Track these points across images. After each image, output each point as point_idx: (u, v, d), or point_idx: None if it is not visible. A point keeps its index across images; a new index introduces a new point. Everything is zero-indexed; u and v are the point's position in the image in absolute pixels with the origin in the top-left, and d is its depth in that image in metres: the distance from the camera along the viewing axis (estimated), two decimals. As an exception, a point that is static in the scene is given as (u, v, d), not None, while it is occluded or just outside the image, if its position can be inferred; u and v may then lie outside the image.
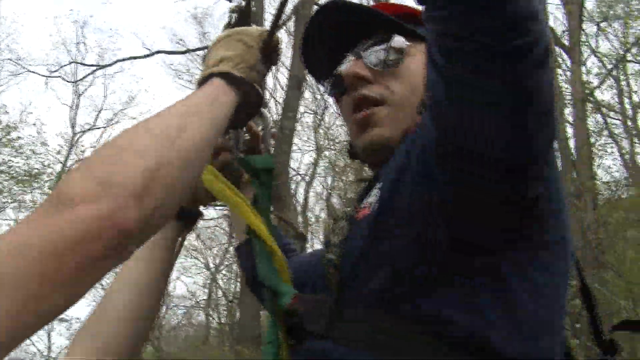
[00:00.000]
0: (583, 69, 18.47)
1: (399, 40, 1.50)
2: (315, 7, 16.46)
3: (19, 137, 23.34)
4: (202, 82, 1.33)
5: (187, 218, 1.62)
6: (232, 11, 1.63)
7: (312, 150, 24.57)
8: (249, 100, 1.39)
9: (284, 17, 1.53)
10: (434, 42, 1.07)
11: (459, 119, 1.08)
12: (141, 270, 1.49)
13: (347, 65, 1.53)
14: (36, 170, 22.98)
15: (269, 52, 1.48)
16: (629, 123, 22.47)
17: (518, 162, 1.11)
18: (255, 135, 1.71)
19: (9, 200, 23.33)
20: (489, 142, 1.08)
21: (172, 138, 1.03)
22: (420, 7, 1.12)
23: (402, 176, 1.27)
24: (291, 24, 14.33)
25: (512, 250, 1.18)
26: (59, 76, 25.28)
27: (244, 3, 1.61)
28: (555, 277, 1.22)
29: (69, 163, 24.72)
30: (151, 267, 1.50)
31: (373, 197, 1.36)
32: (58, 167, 24.20)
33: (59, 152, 24.53)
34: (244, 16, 1.60)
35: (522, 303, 1.16)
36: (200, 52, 24.53)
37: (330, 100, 1.73)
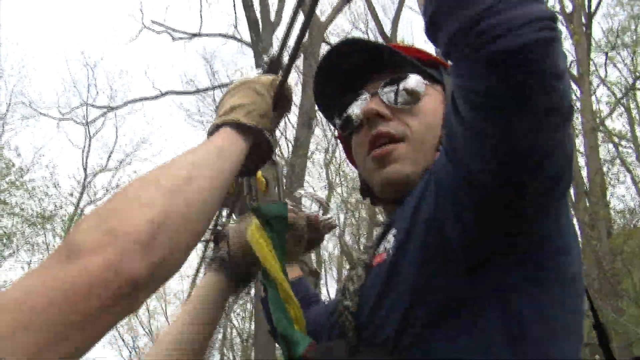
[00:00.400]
0: (593, 98, 18.49)
1: (417, 79, 1.52)
2: (324, 45, 16.63)
3: (32, 180, 23.50)
4: (212, 131, 1.33)
5: (240, 279, 1.63)
6: (265, 63, 1.65)
7: (323, 188, 24.60)
8: (260, 148, 1.41)
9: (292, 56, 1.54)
10: (460, 94, 1.07)
11: (482, 167, 1.09)
12: (190, 330, 1.53)
13: (364, 103, 1.54)
14: (49, 213, 23.08)
15: (281, 100, 1.51)
16: (641, 151, 22.38)
17: (537, 208, 1.13)
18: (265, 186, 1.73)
19: (22, 243, 23.38)
20: (511, 191, 1.09)
21: (180, 189, 1.04)
22: (443, 58, 1.13)
23: (416, 222, 1.27)
24: (300, 62, 14.43)
25: (526, 287, 1.18)
26: (70, 118, 25.56)
27: (275, 55, 1.63)
28: (569, 314, 1.21)
29: (81, 205, 24.84)
30: (200, 328, 1.55)
31: (388, 243, 1.35)
32: (71, 209, 24.30)
33: (71, 194, 24.65)
34: (274, 67, 1.62)
35: (536, 343, 1.15)
36: (210, 92, 24.81)
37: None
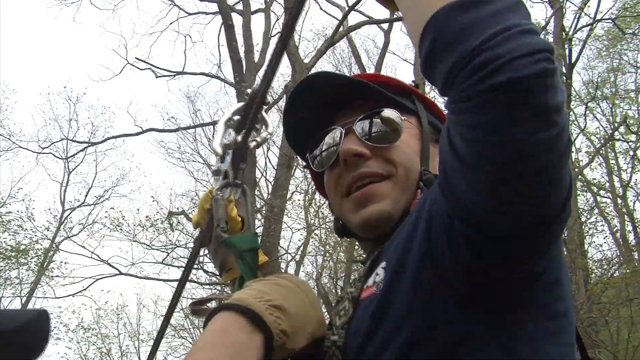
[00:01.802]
0: (572, 148, 18.66)
1: (394, 114, 1.50)
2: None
3: (9, 212, 23.27)
4: None
5: None
6: (246, 95, 1.61)
7: (302, 229, 24.54)
8: None
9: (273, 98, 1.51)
10: (457, 130, 1.04)
11: (478, 201, 1.06)
12: None
13: (338, 139, 1.52)
14: (23, 247, 22.79)
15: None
16: (619, 201, 22.59)
17: (534, 245, 1.11)
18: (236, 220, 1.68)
19: (-5, 277, 23.07)
20: (509, 223, 1.07)
21: None
22: (440, 95, 1.11)
23: (409, 255, 1.24)
24: (282, 103, 14.51)
25: (521, 321, 1.16)
26: (50, 152, 25.39)
27: (257, 88, 1.58)
28: (563, 348, 1.20)
29: (56, 240, 24.56)
30: None
31: (378, 277, 1.32)
32: (46, 244, 24.02)
33: (47, 229, 24.38)
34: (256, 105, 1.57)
35: None
36: (191, 130, 24.80)
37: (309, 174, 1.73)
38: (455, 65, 1.00)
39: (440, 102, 1.34)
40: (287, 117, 1.63)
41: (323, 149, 1.58)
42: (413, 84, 1.67)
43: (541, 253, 1.15)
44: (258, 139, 1.59)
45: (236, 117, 1.60)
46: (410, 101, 1.61)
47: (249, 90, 1.60)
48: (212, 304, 1.55)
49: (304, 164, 1.72)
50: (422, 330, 1.18)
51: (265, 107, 1.55)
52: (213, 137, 1.61)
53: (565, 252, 12.64)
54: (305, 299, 1.29)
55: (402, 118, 1.51)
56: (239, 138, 1.52)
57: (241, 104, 1.64)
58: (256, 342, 1.14)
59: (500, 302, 1.17)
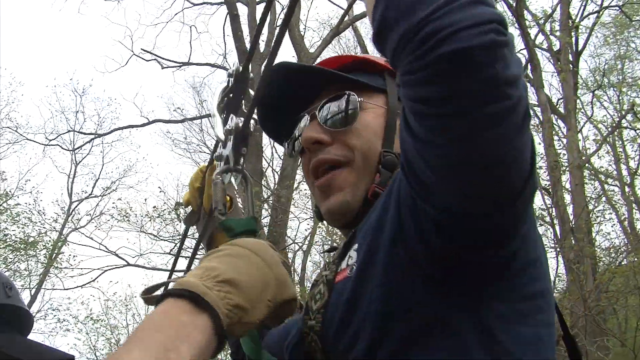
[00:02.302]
0: (579, 136, 18.61)
1: (351, 98, 1.49)
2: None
3: (17, 204, 23.34)
4: None
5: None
6: (229, 75, 1.62)
7: (309, 219, 24.54)
8: None
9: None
10: (409, 106, 1.04)
11: (437, 180, 1.05)
12: None
13: (304, 129, 1.53)
14: (32, 239, 22.88)
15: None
16: (627, 189, 22.53)
17: (499, 222, 1.10)
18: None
19: (4, 269, 23.16)
20: (471, 202, 1.06)
21: None
22: (382, 59, 1.10)
23: (380, 236, 1.23)
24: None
25: (494, 303, 1.16)
26: (57, 144, 25.48)
27: (240, 68, 1.60)
28: (540, 328, 1.19)
29: (65, 231, 24.64)
30: None
31: (351, 259, 1.31)
32: (54, 235, 24.11)
33: (55, 221, 24.47)
34: (241, 82, 1.58)
35: (509, 355, 1.13)
36: (197, 121, 24.81)
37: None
38: (404, 36, 0.99)
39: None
40: (260, 107, 1.65)
41: (293, 137, 1.61)
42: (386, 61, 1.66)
43: (509, 232, 1.13)
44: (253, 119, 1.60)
45: (225, 99, 1.64)
46: (382, 78, 1.59)
47: (230, 71, 1.62)
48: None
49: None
50: (396, 314, 1.18)
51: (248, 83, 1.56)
52: (213, 124, 1.60)
53: (573, 241, 12.61)
54: (261, 263, 1.23)
55: (359, 99, 1.50)
56: (240, 123, 1.53)
57: (224, 84, 1.67)
58: (201, 321, 1.08)
59: (472, 284, 1.16)
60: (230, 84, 1.62)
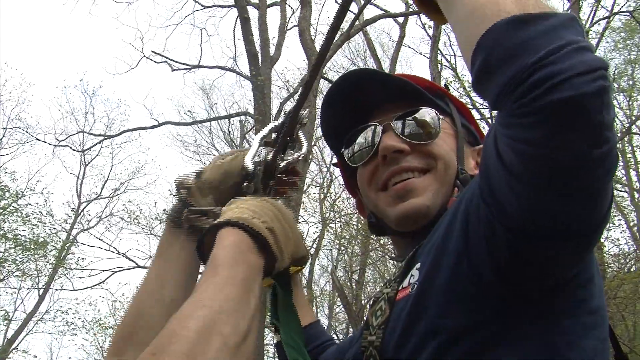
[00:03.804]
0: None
1: (432, 113, 1.53)
2: (323, 79, 16.70)
3: (28, 205, 23.43)
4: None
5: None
6: (284, 113, 1.61)
7: (317, 223, 24.53)
8: None
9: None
10: (507, 142, 1.04)
11: (523, 210, 1.06)
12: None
13: (376, 136, 1.55)
14: (42, 239, 22.96)
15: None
16: (636, 195, 22.45)
17: (574, 252, 1.12)
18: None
19: (13, 269, 23.25)
20: (552, 231, 1.07)
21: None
22: (490, 109, 1.11)
23: (444, 255, 1.25)
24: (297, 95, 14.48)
25: (559, 318, 1.17)
26: (66, 145, 25.56)
27: (304, 112, 1.57)
28: (598, 343, 1.21)
29: (74, 232, 24.71)
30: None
31: (413, 278, 1.34)
32: (63, 236, 24.19)
33: (65, 221, 24.56)
34: (293, 123, 1.57)
35: None
36: (207, 124, 24.84)
37: (336, 173, 1.75)
38: (511, 81, 0.99)
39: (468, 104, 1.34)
40: (326, 110, 1.66)
41: (359, 144, 1.60)
42: (445, 87, 1.69)
43: (580, 259, 1.16)
44: (290, 158, 1.59)
45: (273, 135, 1.61)
46: (444, 103, 1.63)
47: (286, 109, 1.61)
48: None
49: (335, 160, 1.74)
50: (460, 328, 1.19)
51: (301, 126, 1.55)
52: (233, 138, 1.57)
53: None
54: (285, 222, 1.31)
55: (441, 117, 1.54)
56: (269, 157, 1.52)
57: (279, 121, 1.64)
58: (262, 264, 1.18)
59: (537, 300, 1.18)
60: (285, 123, 1.58)
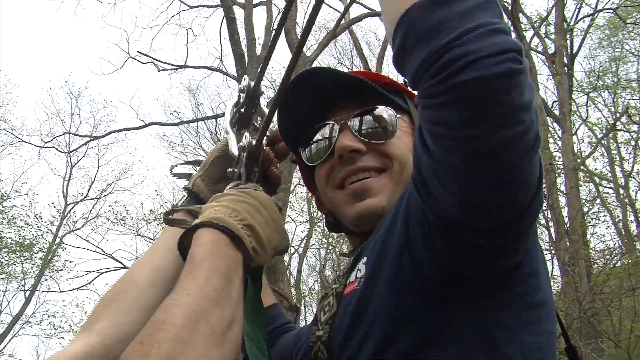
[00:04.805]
0: (574, 138, 18.68)
1: (389, 112, 1.52)
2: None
3: (13, 207, 23.30)
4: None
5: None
6: (240, 91, 1.63)
7: (305, 222, 24.54)
8: None
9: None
10: (427, 127, 1.07)
11: (448, 195, 1.08)
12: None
13: (333, 134, 1.55)
14: (28, 241, 22.83)
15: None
16: (621, 191, 22.58)
17: (503, 237, 1.13)
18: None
19: (-1, 272, 23.11)
20: (478, 217, 1.09)
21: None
22: (409, 88, 1.14)
23: (387, 249, 1.27)
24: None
25: (498, 312, 1.19)
26: (52, 147, 25.42)
27: (252, 84, 1.61)
28: (542, 337, 1.22)
29: (60, 234, 24.58)
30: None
31: (359, 272, 1.35)
32: (50, 238, 24.06)
33: (51, 223, 24.42)
34: (252, 97, 1.60)
35: None
36: (194, 124, 24.78)
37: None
38: (424, 61, 1.02)
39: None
40: (282, 110, 1.63)
41: (316, 143, 1.60)
42: (404, 83, 1.67)
43: (513, 246, 1.16)
44: (268, 133, 1.62)
45: (237, 116, 1.66)
46: (402, 100, 1.63)
47: (241, 86, 1.64)
48: (178, 216, 1.59)
49: (293, 157, 1.74)
50: (400, 322, 1.21)
51: (261, 99, 1.57)
52: (220, 139, 1.59)
53: (568, 243, 12.63)
54: (266, 215, 1.33)
55: (397, 116, 1.54)
56: (254, 141, 1.54)
57: (234, 100, 1.68)
58: (240, 259, 1.20)
59: (476, 294, 1.19)
60: (241, 99, 1.63)
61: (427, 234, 1.17)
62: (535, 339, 1.20)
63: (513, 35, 1.03)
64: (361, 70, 1.76)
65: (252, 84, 1.61)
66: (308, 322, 1.95)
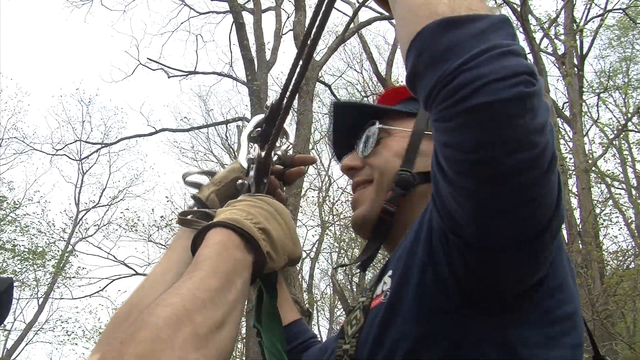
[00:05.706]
0: (585, 139, 18.61)
1: (372, 127, 1.63)
2: (318, 84, 16.68)
3: (25, 215, 23.42)
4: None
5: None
6: (266, 107, 1.66)
7: (316, 226, 24.53)
8: None
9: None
10: (439, 149, 1.07)
11: (466, 217, 1.08)
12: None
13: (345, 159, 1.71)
14: (40, 249, 22.95)
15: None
16: (634, 192, 22.48)
17: (527, 256, 1.11)
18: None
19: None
20: (497, 238, 1.08)
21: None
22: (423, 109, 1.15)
23: (411, 264, 1.27)
24: (295, 101, 14.48)
25: (522, 328, 1.17)
26: (64, 154, 25.57)
27: (275, 102, 1.62)
28: (568, 351, 1.20)
29: (72, 241, 24.69)
30: None
31: (385, 285, 1.35)
32: (62, 245, 24.18)
33: (64, 230, 24.54)
34: (275, 114, 1.61)
35: None
36: (204, 130, 24.84)
37: (335, 176, 1.91)
38: (436, 85, 1.01)
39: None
40: (331, 136, 1.80)
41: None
42: None
43: (537, 263, 1.15)
44: (279, 152, 1.65)
45: (257, 130, 1.69)
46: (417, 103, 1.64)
47: (268, 103, 1.64)
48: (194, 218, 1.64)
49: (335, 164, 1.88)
50: (425, 336, 1.20)
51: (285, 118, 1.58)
52: (237, 151, 1.60)
53: (581, 245, 12.58)
54: (282, 222, 1.34)
55: (380, 126, 1.62)
56: (263, 153, 1.54)
57: (261, 116, 1.70)
58: (249, 261, 1.20)
59: (498, 310, 1.18)
60: (267, 118, 1.66)
61: (447, 251, 1.16)
62: (561, 353, 1.19)
63: (528, 57, 1.02)
64: (396, 86, 1.87)
65: (276, 99, 1.63)
66: (320, 327, 1.96)
